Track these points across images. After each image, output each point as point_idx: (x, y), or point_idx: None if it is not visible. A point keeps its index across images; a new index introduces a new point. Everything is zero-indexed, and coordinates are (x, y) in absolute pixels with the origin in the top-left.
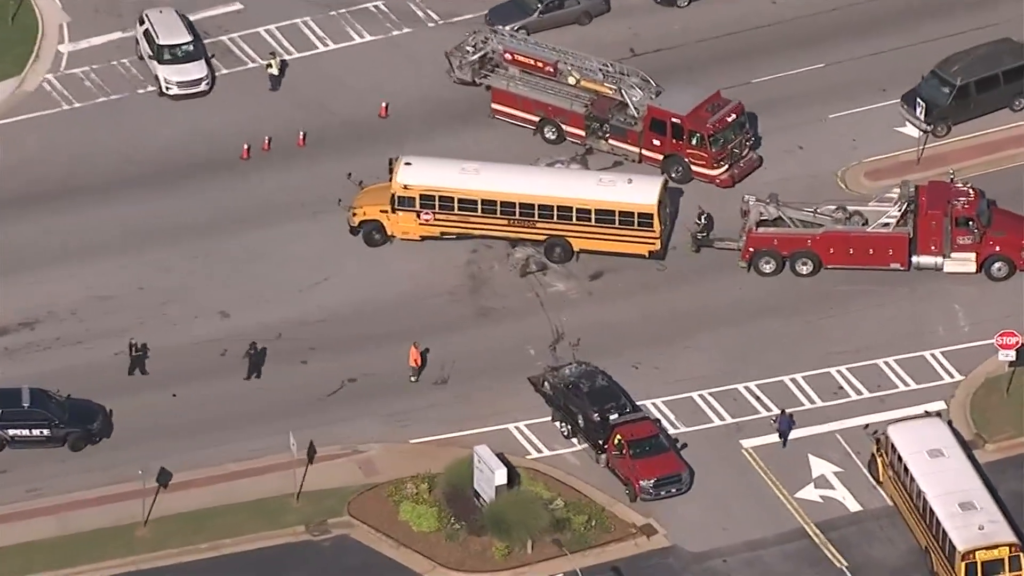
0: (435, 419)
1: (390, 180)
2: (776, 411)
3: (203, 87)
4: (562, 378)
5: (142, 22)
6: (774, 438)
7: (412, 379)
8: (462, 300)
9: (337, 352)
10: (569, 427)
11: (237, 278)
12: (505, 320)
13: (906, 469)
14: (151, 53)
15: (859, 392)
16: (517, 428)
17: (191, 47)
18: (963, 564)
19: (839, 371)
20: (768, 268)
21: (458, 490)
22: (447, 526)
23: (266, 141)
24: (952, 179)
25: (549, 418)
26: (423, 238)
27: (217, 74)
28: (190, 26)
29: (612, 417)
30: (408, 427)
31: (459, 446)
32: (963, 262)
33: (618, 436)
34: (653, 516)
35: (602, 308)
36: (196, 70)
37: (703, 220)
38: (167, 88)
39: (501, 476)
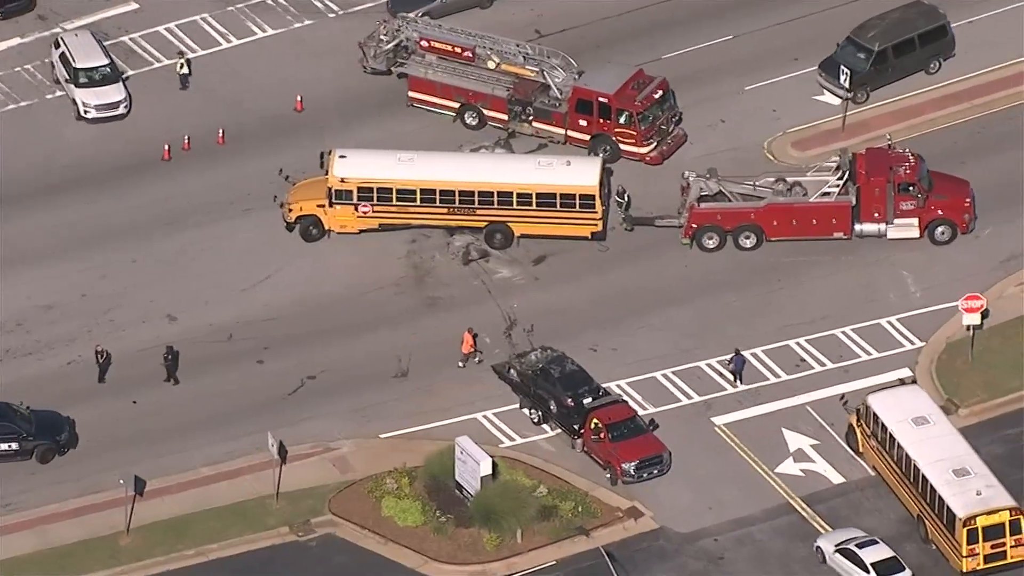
0: (401, 412)
1: (325, 174)
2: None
3: (121, 110)
4: (530, 365)
5: (57, 46)
6: (746, 414)
7: (461, 364)
8: (408, 292)
9: (291, 350)
10: (539, 414)
11: (178, 280)
12: (454, 309)
13: (892, 438)
14: (68, 76)
15: (822, 364)
16: (486, 417)
17: (108, 70)
18: (964, 530)
19: (798, 343)
20: (711, 243)
21: (440, 483)
22: (433, 519)
23: (186, 140)
24: (890, 145)
25: (517, 406)
26: (361, 231)
27: (125, 75)
28: (104, 50)
29: (586, 401)
30: (374, 422)
31: (431, 439)
32: (906, 228)
33: (595, 420)
34: (637, 499)
35: (550, 292)
36: (114, 93)
37: (624, 199)
38: (85, 112)
39: (486, 467)
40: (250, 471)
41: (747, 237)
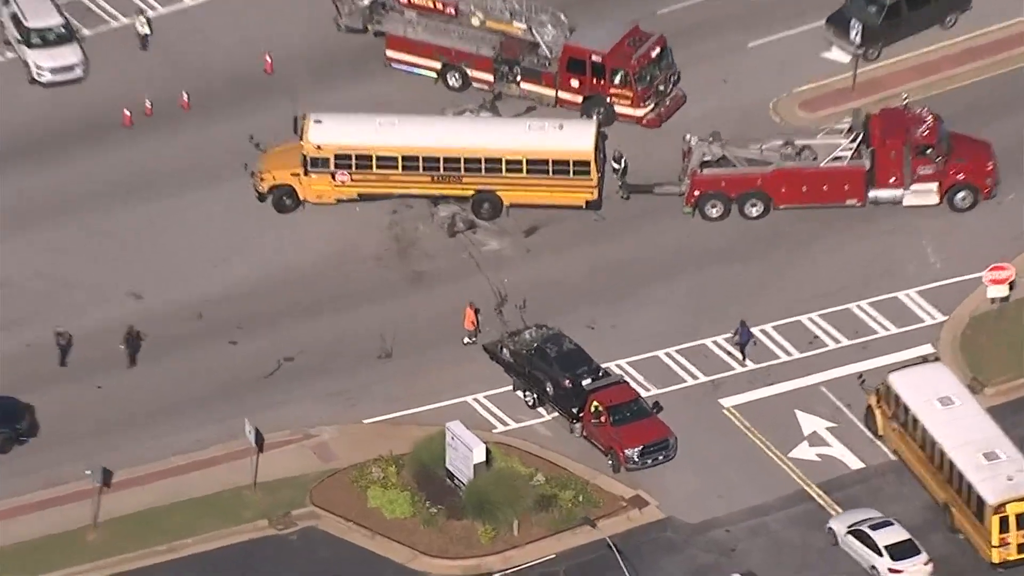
0: (385, 396)
1: (299, 140)
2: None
3: (78, 73)
4: (524, 344)
5: (7, 3)
6: (757, 395)
7: (465, 341)
8: (390, 265)
9: (266, 329)
10: (535, 396)
11: (142, 255)
12: (441, 284)
13: (915, 420)
14: (19, 37)
15: (837, 340)
16: (476, 400)
17: (63, 29)
18: (995, 518)
19: (811, 319)
20: (715, 212)
21: (429, 471)
22: (423, 511)
23: (148, 105)
24: (906, 105)
25: (511, 388)
26: (339, 201)
27: (81, 35)
28: (58, 8)
29: (585, 383)
30: (357, 406)
31: (418, 424)
32: (925, 194)
33: (595, 403)
34: (641, 487)
35: (543, 265)
36: (70, 54)
37: (622, 164)
38: (39, 75)
39: (480, 453)
40: (225, 460)
41: (753, 205)
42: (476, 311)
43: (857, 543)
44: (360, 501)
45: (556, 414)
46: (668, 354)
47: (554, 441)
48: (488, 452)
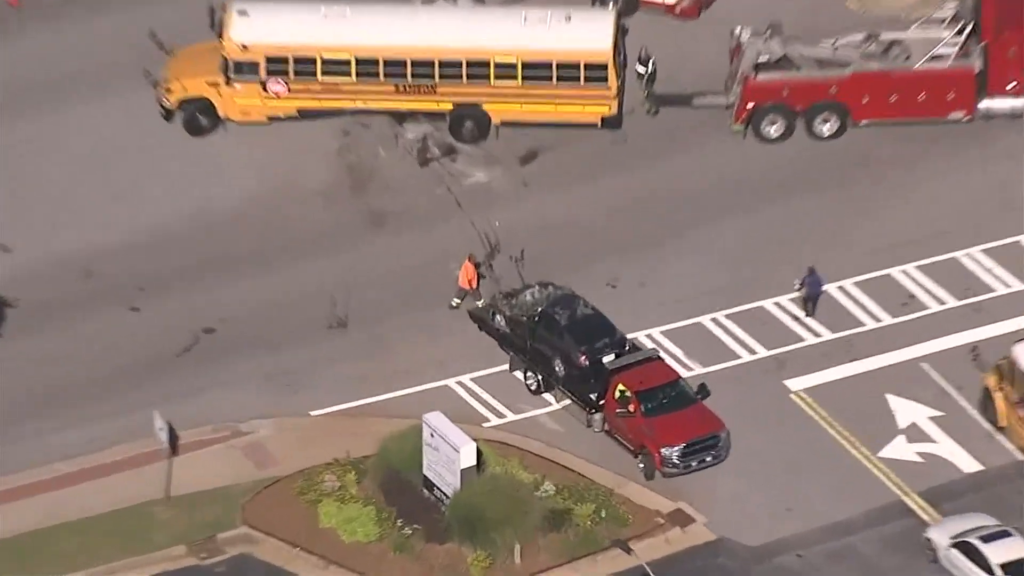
0: (339, 379)
1: (218, 39)
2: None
3: None
4: (524, 308)
5: None
6: (834, 375)
7: (454, 303)
8: (343, 204)
9: (178, 291)
10: (539, 378)
11: (8, 194)
12: (410, 228)
13: None
14: None
15: (940, 301)
16: (461, 384)
17: None
18: None
19: (904, 272)
20: (775, 130)
21: (401, 480)
22: (393, 532)
23: None
24: None
25: (507, 367)
26: (272, 120)
27: None
28: None
29: (607, 359)
30: (302, 393)
31: (384, 416)
32: None
33: (621, 386)
34: (683, 498)
35: (546, 203)
36: None
37: (649, 67)
38: None
39: (468, 455)
40: (128, 467)
41: (825, 120)
42: (477, 266)
43: (963, 559)
44: (309, 520)
45: (568, 402)
46: (715, 320)
47: (566, 438)
48: (479, 453)
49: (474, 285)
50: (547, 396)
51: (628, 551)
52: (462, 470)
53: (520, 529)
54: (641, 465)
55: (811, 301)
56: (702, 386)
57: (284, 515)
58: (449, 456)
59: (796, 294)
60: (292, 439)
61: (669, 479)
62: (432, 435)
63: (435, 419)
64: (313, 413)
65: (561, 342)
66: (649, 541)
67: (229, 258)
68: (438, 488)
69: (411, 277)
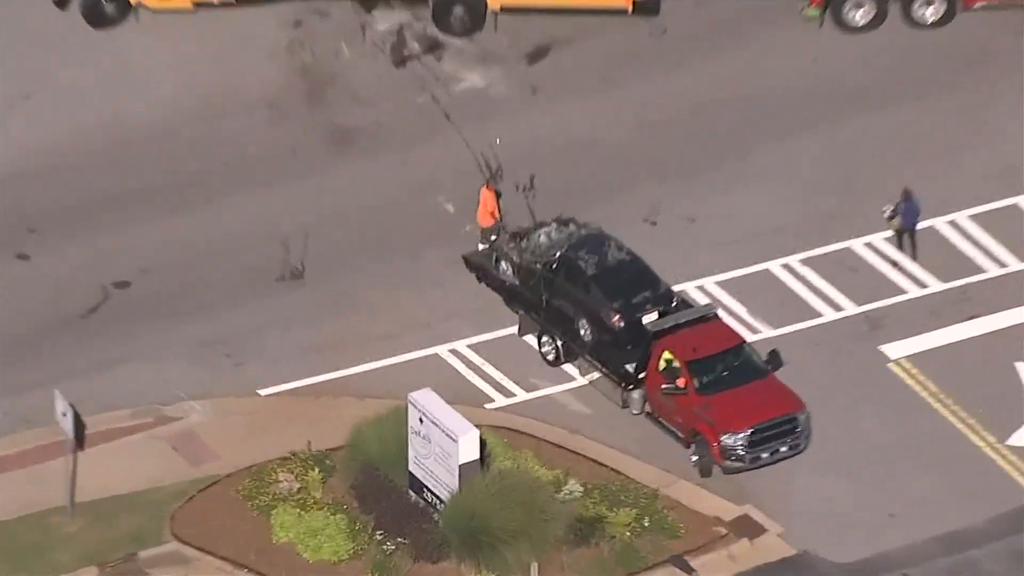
0: (296, 347)
1: None
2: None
3: None
4: (538, 253)
5: None
6: (944, 338)
7: (467, 227)
8: (295, 117)
9: (80, 232)
10: (559, 344)
11: None
12: (384, 149)
13: None
14: None
15: None
16: (455, 353)
17: None
18: None
19: None
20: (861, 16)
21: (380, 478)
22: (372, 547)
23: None
24: None
25: (515, 330)
26: (198, 5)
27: None
28: None
29: (648, 318)
30: (248, 366)
31: (357, 396)
32: None
33: (667, 354)
34: (751, 500)
35: (562, 115)
36: None
37: None
38: None
39: (470, 445)
40: (20, 463)
41: (928, 2)
42: (498, 195)
43: None
44: (259, 532)
45: (598, 375)
46: (787, 266)
47: (596, 423)
48: (483, 443)
49: (497, 217)
50: (569, 368)
51: (689, 572)
52: (461, 466)
53: (537, 543)
54: (695, 457)
55: (908, 235)
56: (773, 353)
57: (226, 527)
58: (444, 448)
59: (889, 227)
60: (235, 426)
61: (732, 475)
62: (421, 420)
63: (425, 399)
64: (262, 392)
65: (587, 297)
66: (707, 558)
67: (147, 190)
68: (429, 490)
69: (386, 213)
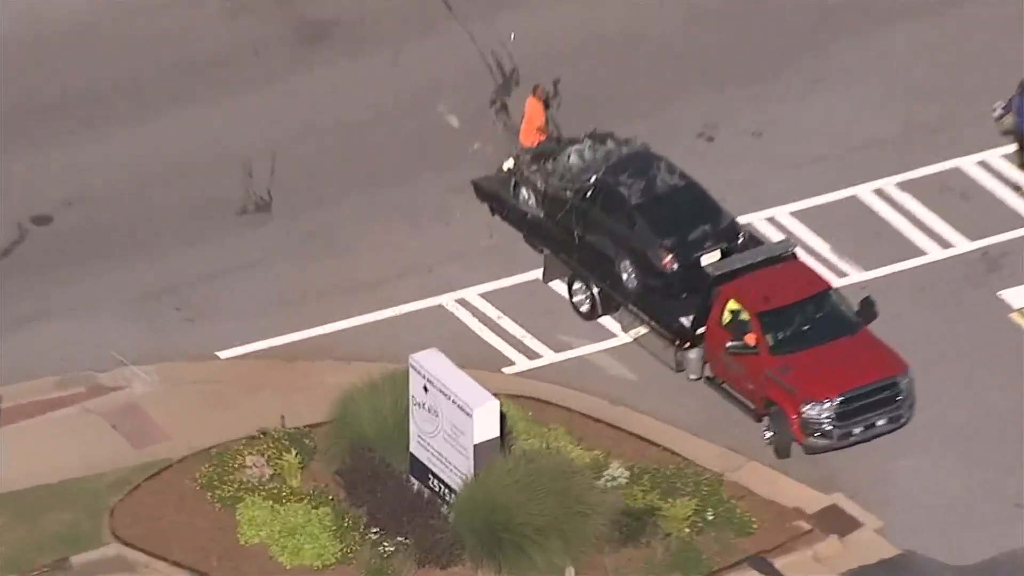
0: (263, 299)
1: None
2: None
3: None
4: (567, 177)
5: None
6: None
7: (505, 167)
8: (256, 6)
9: None
10: (595, 292)
11: None
12: (369, 47)
13: None
14: None
15: None
16: (463, 304)
17: None
18: None
19: None
20: None
21: (373, 462)
22: (365, 549)
23: None
24: None
25: (539, 274)
26: None
27: None
28: None
29: (708, 259)
30: (203, 323)
31: (340, 358)
32: None
33: (733, 303)
34: (841, 487)
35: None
36: None
37: None
38: None
39: (488, 420)
40: None
41: None
42: (546, 104)
43: None
44: (222, 531)
45: (645, 330)
46: (879, 192)
47: (643, 390)
48: (503, 418)
49: (544, 135)
50: (609, 322)
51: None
52: (477, 446)
53: (574, 542)
54: (769, 434)
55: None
56: (866, 302)
57: (180, 524)
58: (455, 423)
59: (1000, 128)
60: (188, 398)
61: (816, 456)
62: (426, 388)
63: (430, 362)
64: (222, 355)
65: (631, 232)
66: (787, 560)
67: (71, 100)
68: (435, 476)
69: (373, 129)
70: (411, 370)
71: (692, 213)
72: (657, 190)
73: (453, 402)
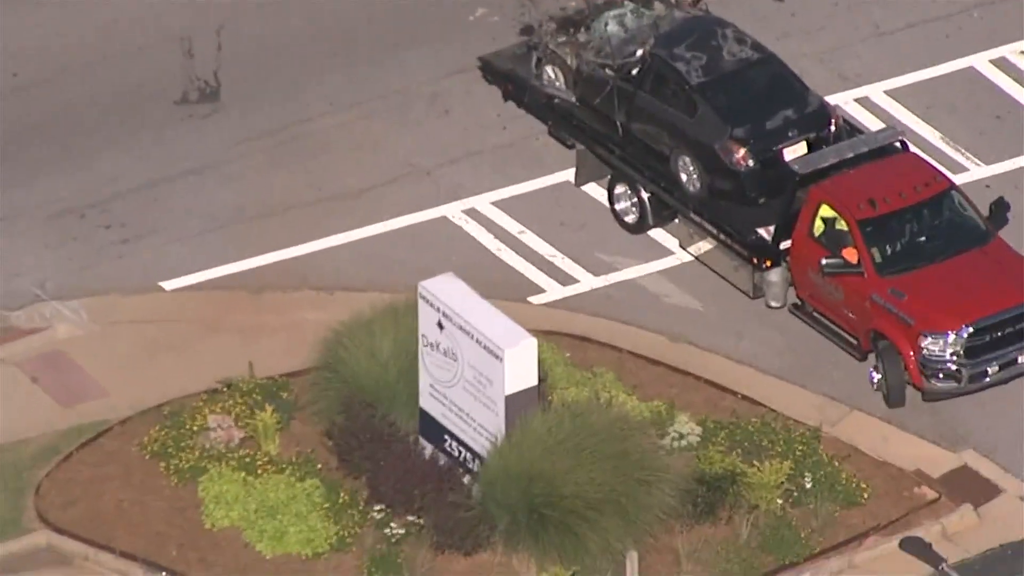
0: (216, 213)
1: None
2: None
3: None
4: (605, 50)
5: None
6: None
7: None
8: None
9: None
10: (644, 196)
11: None
12: None
13: None
14: None
15: None
16: (472, 215)
17: None
18: None
19: None
20: None
21: (372, 419)
22: (369, 532)
23: None
24: None
25: (570, 175)
26: None
27: None
28: None
29: (794, 152)
30: (139, 243)
31: (314, 286)
32: None
33: (826, 209)
34: (972, 443)
35: None
36: None
37: None
38: None
39: (523, 364)
40: None
41: None
42: None
43: None
44: (181, 512)
45: (710, 246)
46: (1000, 62)
47: (711, 323)
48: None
49: None
50: (660, 235)
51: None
52: (509, 398)
53: (636, 519)
54: (877, 376)
55: None
56: (998, 204)
57: (127, 504)
58: (480, 369)
59: None
60: (127, 342)
61: (938, 403)
62: (441, 325)
63: (446, 290)
64: (167, 286)
65: (692, 120)
66: (913, 531)
67: None
68: (454, 438)
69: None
70: (421, 302)
71: (770, 95)
72: (724, 66)
73: (477, 342)
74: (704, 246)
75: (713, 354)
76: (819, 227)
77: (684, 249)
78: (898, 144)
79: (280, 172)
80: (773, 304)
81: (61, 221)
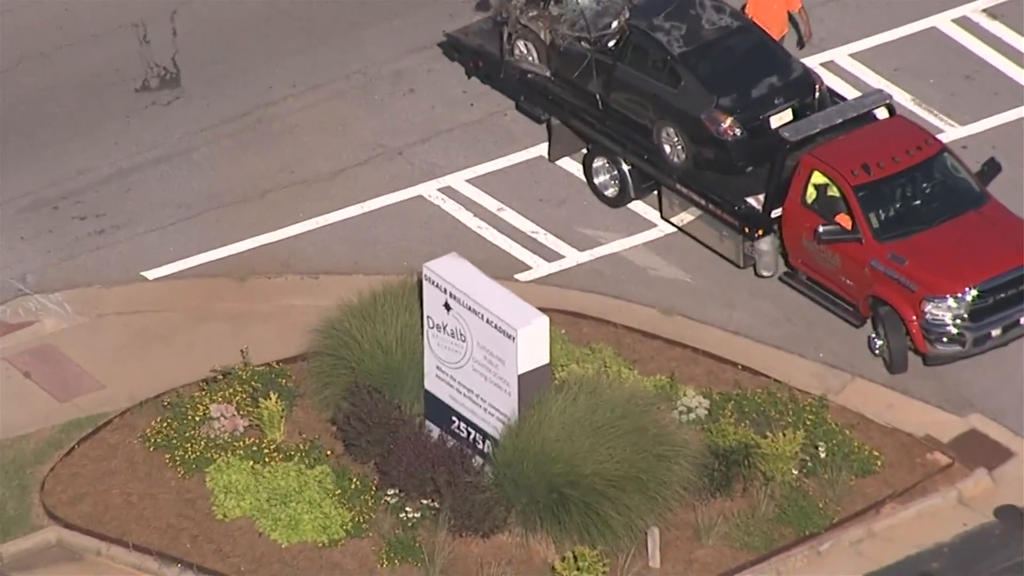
0: (192, 200)
1: None
2: None
3: None
4: (580, 22)
5: None
6: None
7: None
8: None
9: None
10: (624, 168)
11: None
12: None
13: None
14: None
15: None
16: (448, 193)
17: None
18: None
19: None
20: None
21: (379, 403)
22: (384, 518)
23: None
24: None
25: (543, 149)
26: None
27: None
28: None
29: (780, 120)
30: (117, 233)
31: (300, 272)
32: None
33: (819, 176)
34: (980, 407)
35: None
36: None
37: None
38: None
39: (535, 343)
40: None
41: None
42: None
43: None
44: (191, 503)
45: (695, 215)
46: (962, 21)
47: (699, 294)
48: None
49: None
50: (640, 207)
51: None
52: (522, 377)
53: (655, 495)
54: (879, 342)
55: None
56: (990, 164)
57: (135, 497)
58: (489, 349)
59: None
60: (115, 334)
61: (942, 366)
62: (448, 306)
63: (452, 271)
64: (149, 275)
65: (675, 91)
66: (926, 503)
67: None
68: (463, 419)
69: None
70: (426, 283)
71: (753, 63)
72: (704, 35)
73: (488, 322)
74: (688, 217)
75: (708, 326)
76: (812, 194)
77: (667, 220)
78: (887, 106)
79: (250, 157)
80: (764, 273)
81: (34, 214)
